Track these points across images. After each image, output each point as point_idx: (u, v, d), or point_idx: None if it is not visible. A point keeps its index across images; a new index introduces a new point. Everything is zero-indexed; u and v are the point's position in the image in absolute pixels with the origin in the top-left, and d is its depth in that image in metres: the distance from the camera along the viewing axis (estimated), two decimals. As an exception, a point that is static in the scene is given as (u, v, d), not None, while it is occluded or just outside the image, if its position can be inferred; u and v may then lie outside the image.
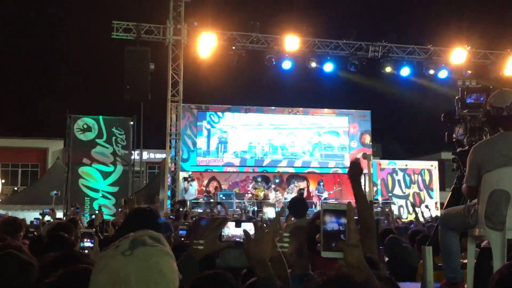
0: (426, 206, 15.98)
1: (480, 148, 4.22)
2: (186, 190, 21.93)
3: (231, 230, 2.07)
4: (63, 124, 20.88)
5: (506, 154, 4.01)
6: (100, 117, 20.59)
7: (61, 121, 21.43)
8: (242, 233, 2.08)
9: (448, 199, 5.78)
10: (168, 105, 19.68)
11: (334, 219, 1.67)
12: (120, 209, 13.75)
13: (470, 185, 4.29)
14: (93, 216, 11.12)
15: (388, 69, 20.89)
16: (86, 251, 3.90)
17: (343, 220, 1.67)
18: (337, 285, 1.47)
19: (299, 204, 6.43)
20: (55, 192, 17.77)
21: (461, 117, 5.34)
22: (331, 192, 23.26)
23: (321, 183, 23.70)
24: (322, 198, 22.99)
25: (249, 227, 2.12)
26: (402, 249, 5.83)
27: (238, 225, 2.07)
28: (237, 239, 2.09)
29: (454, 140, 5.71)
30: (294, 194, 23.48)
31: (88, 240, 4.03)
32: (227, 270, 2.11)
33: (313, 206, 21.19)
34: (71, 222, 7.42)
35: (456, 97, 5.40)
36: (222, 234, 2.09)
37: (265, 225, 2.06)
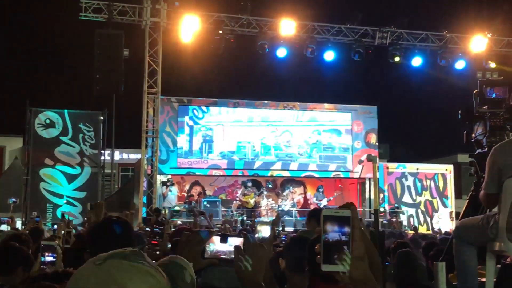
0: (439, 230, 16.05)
1: (501, 150, 4.21)
2: (164, 196, 21.88)
3: (216, 245, 2.05)
4: (22, 119, 20.76)
5: None
6: (65, 111, 20.51)
7: (20, 115, 21.30)
8: (228, 248, 2.06)
9: (464, 208, 5.79)
10: (145, 97, 19.60)
11: (336, 227, 1.66)
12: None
13: (489, 192, 4.29)
14: (55, 226, 11.06)
15: (398, 59, 20.94)
16: (47, 267, 3.87)
17: (347, 229, 1.66)
18: None
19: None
20: (13, 199, 17.68)
21: (480, 114, 5.34)
22: (331, 198, 23.31)
23: (321, 190, 23.74)
24: (321, 206, 23.02)
25: (237, 242, 2.07)
26: (413, 267, 5.82)
27: (224, 240, 2.05)
28: (222, 256, 2.06)
29: (472, 140, 5.72)
30: (289, 202, 23.53)
31: (50, 254, 3.99)
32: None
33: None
34: (33, 233, 7.38)
35: (475, 91, 5.41)
36: (206, 250, 2.06)
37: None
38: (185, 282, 1.62)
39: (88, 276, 1.41)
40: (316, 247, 1.66)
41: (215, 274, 2.03)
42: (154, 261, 1.55)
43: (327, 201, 23.33)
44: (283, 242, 7.73)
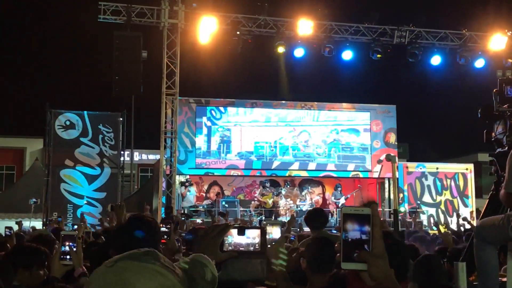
0: (464, 219, 15.90)
1: None
2: (183, 196, 21.98)
3: (234, 238, 2.09)
4: (42, 120, 20.96)
5: None
6: (85, 112, 20.67)
7: (40, 117, 21.52)
8: (246, 241, 2.10)
9: (485, 207, 5.75)
10: (163, 98, 19.70)
11: (356, 225, 1.65)
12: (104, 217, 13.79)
13: (510, 192, 4.26)
14: (75, 227, 11.14)
15: (416, 58, 20.81)
16: (68, 257, 3.93)
17: (367, 227, 1.66)
18: None
19: (316, 215, 6.51)
20: (34, 200, 17.84)
21: (500, 113, 5.30)
22: (349, 196, 23.22)
23: (339, 188, 23.68)
24: (339, 205, 22.96)
25: (255, 234, 2.12)
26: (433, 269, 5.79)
27: (241, 232, 2.09)
28: (241, 248, 2.08)
29: (493, 139, 5.67)
30: (308, 202, 23.49)
31: (70, 243, 4.06)
32: (231, 283, 2.14)
33: (330, 215, 21.17)
34: (55, 233, 7.44)
35: (494, 90, 5.37)
36: (224, 243, 2.08)
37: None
38: (205, 280, 1.64)
39: (99, 278, 1.46)
40: (336, 245, 1.67)
41: (234, 266, 2.06)
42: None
43: (345, 199, 23.27)
44: (292, 240, 7.73)
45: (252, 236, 2.12)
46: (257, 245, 2.12)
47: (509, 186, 4.22)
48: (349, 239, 1.64)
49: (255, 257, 2.11)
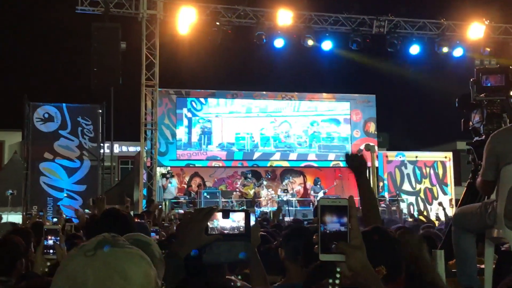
0: (440, 204, 16.07)
1: (499, 137, 4.22)
2: (164, 188, 21.91)
3: (219, 221, 2.12)
4: (20, 113, 20.73)
5: None
6: (64, 105, 20.46)
7: (18, 109, 21.27)
8: (231, 224, 2.13)
9: (463, 195, 5.81)
10: (143, 90, 19.58)
11: (334, 217, 1.66)
12: (85, 210, 13.69)
13: (486, 179, 4.30)
14: (55, 219, 11.05)
15: (395, 47, 20.91)
16: (51, 251, 3.92)
17: (345, 219, 1.66)
18: None
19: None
20: (10, 191, 17.64)
21: (477, 102, 5.35)
22: (327, 190, 23.24)
23: (318, 182, 23.71)
24: (318, 199, 23.01)
25: (239, 217, 2.15)
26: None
27: (226, 215, 2.11)
28: (225, 231, 2.12)
29: (470, 128, 5.73)
30: (289, 192, 23.48)
31: (53, 238, 4.04)
32: (216, 265, 2.17)
33: (311, 205, 21.28)
34: (35, 227, 7.38)
35: (471, 79, 5.41)
36: (209, 226, 2.11)
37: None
38: (156, 258, 1.62)
39: (84, 269, 1.39)
40: (314, 237, 1.67)
41: (219, 249, 2.09)
42: None
43: (324, 193, 23.28)
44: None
45: (236, 220, 2.14)
46: (241, 228, 2.14)
47: (485, 173, 4.27)
48: (327, 231, 1.65)
49: (239, 239, 2.13)
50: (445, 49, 21.15)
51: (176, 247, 2.16)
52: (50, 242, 4.01)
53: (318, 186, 23.67)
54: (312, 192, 23.86)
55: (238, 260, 2.17)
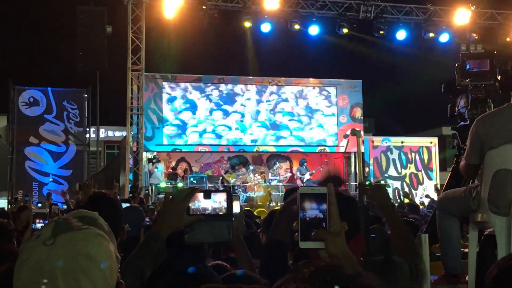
0: (427, 196, 16.19)
1: (484, 121, 4.24)
2: (151, 173, 21.87)
3: (200, 202, 2.12)
4: (5, 97, 20.54)
5: None
6: (49, 89, 20.29)
7: (3, 93, 21.07)
8: (212, 204, 2.12)
9: (447, 180, 5.85)
10: (129, 74, 19.45)
11: (314, 204, 1.67)
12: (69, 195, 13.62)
13: (470, 163, 4.33)
14: (40, 205, 10.99)
15: (382, 32, 20.91)
16: None
17: (324, 206, 1.67)
18: (325, 278, 1.47)
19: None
20: None
21: (462, 87, 5.37)
22: (314, 171, 23.36)
23: (304, 163, 23.81)
24: (305, 180, 23.09)
25: (221, 198, 2.15)
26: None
27: (207, 196, 2.11)
28: (207, 212, 2.11)
29: (455, 113, 5.75)
30: (277, 177, 23.49)
31: (41, 221, 4.04)
32: (197, 245, 2.18)
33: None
34: (21, 211, 7.34)
35: (456, 65, 5.43)
36: (190, 207, 2.11)
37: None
38: (105, 230, 1.62)
39: (48, 258, 1.39)
40: (294, 224, 1.68)
41: (201, 229, 2.09)
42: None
43: (310, 174, 23.41)
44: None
45: (218, 200, 2.14)
46: (223, 208, 2.13)
47: (469, 157, 4.29)
48: (307, 218, 1.66)
49: (221, 219, 2.12)
50: (431, 35, 21.21)
51: (157, 228, 2.15)
52: (39, 226, 4.01)
53: (304, 167, 23.77)
54: (298, 173, 23.94)
55: (220, 241, 2.18)
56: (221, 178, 23.20)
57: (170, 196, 2.20)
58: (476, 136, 4.20)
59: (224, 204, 2.13)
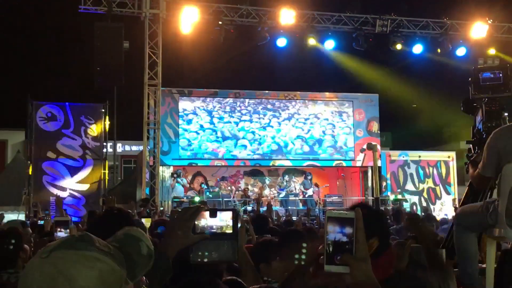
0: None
1: (502, 134, 4.18)
2: (172, 188, 22.01)
3: (207, 220, 2.11)
4: (24, 112, 20.76)
5: None
6: (67, 104, 20.50)
7: (21, 108, 21.30)
8: (218, 223, 2.12)
9: (464, 195, 5.79)
10: (145, 89, 19.61)
11: (339, 228, 1.66)
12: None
13: (484, 175, 4.29)
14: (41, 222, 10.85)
15: (399, 46, 20.90)
16: None
17: (350, 230, 1.66)
18: None
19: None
20: (25, 190, 17.53)
21: (478, 102, 5.33)
22: (318, 189, 22.93)
23: (309, 177, 23.62)
24: (307, 196, 22.89)
25: (227, 216, 2.14)
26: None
27: (213, 214, 2.11)
28: (212, 230, 2.10)
29: (475, 131, 5.65)
30: (291, 191, 23.48)
31: (62, 230, 4.08)
32: (203, 265, 2.18)
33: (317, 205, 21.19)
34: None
35: (470, 78, 5.39)
36: (197, 225, 2.10)
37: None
38: (141, 255, 1.59)
39: (33, 271, 1.39)
40: (320, 247, 1.67)
41: (206, 248, 2.09)
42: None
43: (313, 191, 23.10)
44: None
45: (224, 219, 2.13)
46: (229, 227, 2.13)
47: (484, 169, 4.25)
48: (333, 242, 1.65)
49: (226, 238, 2.12)
50: (448, 49, 21.14)
51: (163, 247, 2.13)
52: (60, 234, 4.05)
53: (309, 181, 23.53)
54: (302, 187, 23.72)
55: (225, 260, 2.17)
56: (239, 191, 23.10)
57: (176, 215, 2.19)
58: (493, 149, 4.16)
59: (230, 223, 2.13)
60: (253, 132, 23.01)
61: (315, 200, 22.15)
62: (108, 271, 1.44)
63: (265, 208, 21.00)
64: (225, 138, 22.75)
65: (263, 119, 23.15)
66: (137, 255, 1.58)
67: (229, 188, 23.81)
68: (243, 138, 22.93)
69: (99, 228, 3.17)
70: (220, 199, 20.89)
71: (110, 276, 1.44)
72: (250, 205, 20.42)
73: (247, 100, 23.26)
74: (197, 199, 20.61)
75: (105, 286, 1.43)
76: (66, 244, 1.43)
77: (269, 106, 23.35)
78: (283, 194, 22.77)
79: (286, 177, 24.40)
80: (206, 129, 22.64)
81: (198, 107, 22.71)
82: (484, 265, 4.65)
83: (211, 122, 22.69)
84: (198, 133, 22.56)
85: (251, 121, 23.00)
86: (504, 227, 4.07)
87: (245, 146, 22.96)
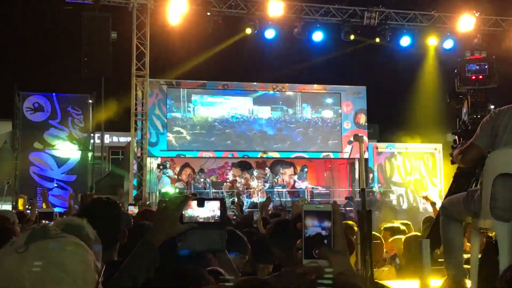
0: (426, 198, 16.15)
1: (504, 112, 4.16)
2: (159, 179, 21.94)
3: (194, 210, 2.11)
4: (10, 103, 20.62)
5: None
6: (54, 94, 20.39)
7: (8, 99, 21.15)
8: (206, 213, 2.11)
9: (449, 186, 5.83)
10: (133, 80, 19.51)
11: (317, 222, 1.65)
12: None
13: (477, 144, 4.26)
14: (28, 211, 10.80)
15: (386, 39, 20.91)
16: None
17: (327, 224, 1.66)
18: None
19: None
20: (7, 180, 17.49)
21: (462, 92, 5.35)
22: (312, 187, 23.04)
23: (305, 169, 23.72)
24: (298, 187, 22.97)
25: (215, 206, 2.13)
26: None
27: (201, 204, 2.10)
28: (200, 220, 2.10)
29: (461, 123, 5.68)
30: (279, 183, 23.48)
31: (47, 222, 4.05)
32: (191, 254, 2.17)
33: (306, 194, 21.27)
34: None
35: (455, 70, 5.42)
36: (184, 215, 2.10)
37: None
38: (90, 239, 1.60)
39: (18, 267, 1.36)
40: (298, 242, 1.67)
41: (194, 238, 2.09)
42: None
43: (306, 186, 23.17)
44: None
45: (212, 208, 2.13)
46: (217, 216, 2.13)
47: (479, 139, 4.21)
48: (310, 236, 1.65)
49: (214, 228, 2.12)
50: (435, 41, 21.20)
51: (150, 236, 2.13)
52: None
53: (305, 173, 23.64)
54: (296, 177, 23.82)
55: (213, 249, 2.17)
56: (227, 182, 23.11)
57: (164, 204, 2.19)
58: (490, 122, 4.15)
59: (218, 213, 2.13)
60: (240, 124, 22.99)
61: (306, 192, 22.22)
62: (86, 254, 1.46)
63: (253, 199, 21.16)
64: (213, 130, 22.73)
65: (250, 110, 23.12)
66: (88, 241, 1.59)
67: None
68: (230, 130, 22.91)
69: (87, 216, 3.17)
70: (209, 190, 20.86)
71: (89, 258, 1.46)
72: (245, 197, 20.54)
73: (235, 91, 23.22)
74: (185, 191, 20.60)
75: (87, 268, 1.44)
76: (37, 235, 1.42)
77: (256, 97, 23.32)
78: (267, 186, 22.80)
79: (276, 169, 24.38)
80: (194, 121, 22.59)
81: (187, 98, 22.64)
82: (468, 255, 4.69)
83: (198, 112, 22.63)
84: (186, 125, 22.50)
85: (236, 111, 22.97)
86: (489, 217, 4.10)
87: (234, 134, 22.93)
